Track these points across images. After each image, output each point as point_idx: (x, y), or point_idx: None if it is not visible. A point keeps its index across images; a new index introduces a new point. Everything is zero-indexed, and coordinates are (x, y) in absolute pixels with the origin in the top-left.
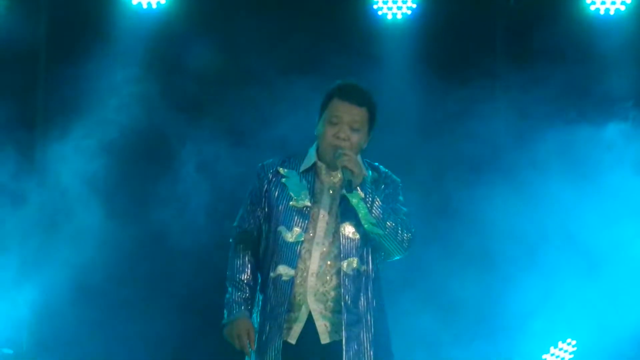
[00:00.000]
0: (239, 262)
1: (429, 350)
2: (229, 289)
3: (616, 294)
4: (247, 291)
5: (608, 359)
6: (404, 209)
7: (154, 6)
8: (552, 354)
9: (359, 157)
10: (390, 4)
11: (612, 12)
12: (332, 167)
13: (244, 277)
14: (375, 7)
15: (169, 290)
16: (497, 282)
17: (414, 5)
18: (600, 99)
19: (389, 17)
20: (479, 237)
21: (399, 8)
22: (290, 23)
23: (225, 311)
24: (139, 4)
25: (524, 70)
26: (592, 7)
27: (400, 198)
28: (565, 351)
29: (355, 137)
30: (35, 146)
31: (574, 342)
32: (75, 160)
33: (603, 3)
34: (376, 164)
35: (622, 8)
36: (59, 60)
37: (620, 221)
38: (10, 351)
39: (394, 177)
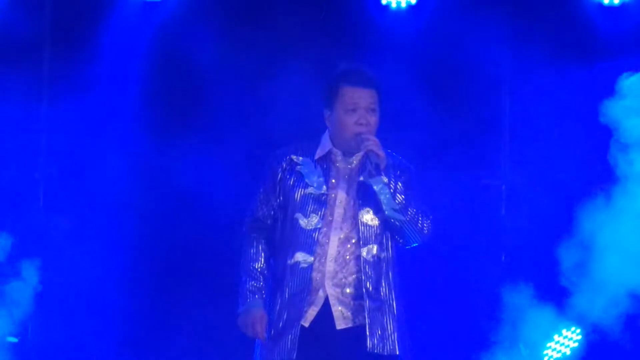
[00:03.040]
0: (252, 250)
1: (431, 338)
2: (243, 277)
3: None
4: (261, 280)
5: (613, 348)
6: (419, 196)
7: None
8: (557, 342)
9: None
10: None
11: (616, 1)
12: (347, 153)
13: (258, 265)
14: None
15: (179, 284)
16: (501, 269)
17: None
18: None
19: (393, 5)
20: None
21: None
22: (290, 13)
23: (239, 300)
24: None
25: (529, 62)
26: None
27: (415, 185)
28: (570, 339)
29: (373, 120)
30: (40, 138)
31: (578, 331)
32: (80, 152)
33: None
34: (389, 150)
35: None
36: (63, 51)
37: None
38: (15, 340)
39: (408, 163)
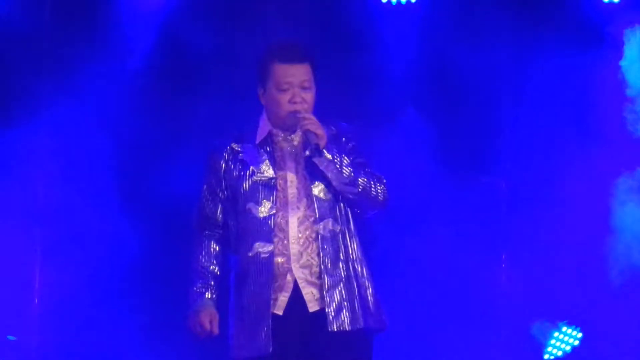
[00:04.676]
0: (202, 250)
1: (431, 336)
2: (192, 278)
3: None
4: (210, 279)
5: (614, 345)
6: (368, 160)
7: None
8: (558, 339)
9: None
10: None
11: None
12: (288, 132)
13: (207, 264)
14: None
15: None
16: (501, 267)
17: None
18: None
19: (393, 1)
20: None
21: None
22: (288, 9)
23: (188, 302)
24: None
25: (530, 58)
26: None
27: (362, 150)
28: (571, 336)
29: (309, 96)
30: (39, 135)
31: (579, 328)
32: (79, 148)
33: None
34: (329, 123)
35: None
36: (62, 43)
37: None
38: (14, 338)
39: (352, 127)
